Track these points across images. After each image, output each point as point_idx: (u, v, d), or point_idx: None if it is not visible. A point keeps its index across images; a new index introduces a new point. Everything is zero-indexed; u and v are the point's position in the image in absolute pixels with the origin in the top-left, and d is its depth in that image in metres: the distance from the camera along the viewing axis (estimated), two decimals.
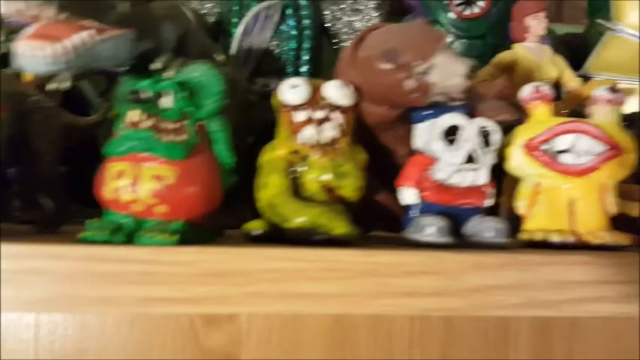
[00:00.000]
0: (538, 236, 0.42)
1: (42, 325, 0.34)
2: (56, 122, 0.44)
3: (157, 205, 0.35)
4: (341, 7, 0.86)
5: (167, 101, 0.36)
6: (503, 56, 0.66)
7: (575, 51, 0.91)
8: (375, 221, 0.46)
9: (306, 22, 0.84)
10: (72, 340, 0.34)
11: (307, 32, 0.84)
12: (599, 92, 0.45)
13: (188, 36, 0.42)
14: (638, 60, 0.80)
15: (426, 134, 0.41)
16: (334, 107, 0.39)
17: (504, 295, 0.35)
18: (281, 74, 0.74)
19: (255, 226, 0.38)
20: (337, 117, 0.38)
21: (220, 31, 0.83)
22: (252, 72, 0.82)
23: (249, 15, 0.82)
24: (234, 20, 0.82)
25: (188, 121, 0.36)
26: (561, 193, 0.43)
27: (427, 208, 0.41)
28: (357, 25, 0.85)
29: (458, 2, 0.86)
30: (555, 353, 0.38)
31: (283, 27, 0.83)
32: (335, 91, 0.39)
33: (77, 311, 0.33)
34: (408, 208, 0.41)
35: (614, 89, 0.44)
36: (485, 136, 0.41)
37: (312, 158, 0.38)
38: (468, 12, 0.85)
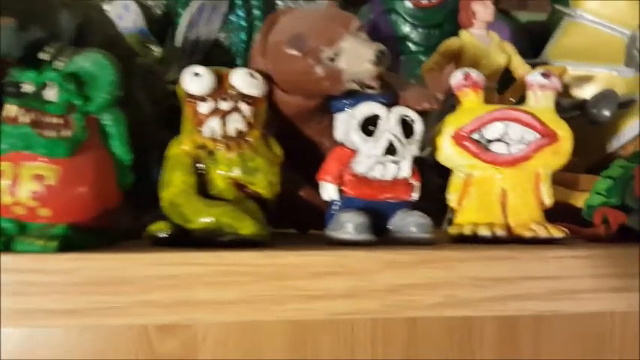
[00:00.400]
0: (467, 230, 0.40)
1: None
2: None
3: (39, 208, 0.32)
4: None
5: (51, 94, 0.33)
6: (449, 43, 0.64)
7: (537, 38, 0.89)
8: (300, 218, 0.43)
9: (257, 12, 0.81)
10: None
11: (257, 23, 0.81)
12: (533, 77, 0.42)
13: (89, 25, 0.39)
14: (597, 46, 0.78)
15: (344, 125, 0.38)
16: (242, 98, 0.36)
17: (421, 295, 0.33)
18: (231, 66, 0.71)
19: (160, 228, 0.35)
20: (245, 108, 0.36)
21: (168, 22, 0.80)
22: (201, 64, 0.80)
23: (194, 6, 0.79)
24: (181, 11, 0.79)
25: (75, 115, 0.33)
26: (493, 184, 0.41)
27: (349, 204, 0.38)
28: None
29: None
30: (521, 351, 0.35)
31: (232, 18, 0.80)
32: (242, 81, 0.36)
33: None
34: (329, 203, 0.39)
35: (547, 74, 0.42)
36: (407, 125, 0.38)
37: (219, 153, 0.36)
38: (424, 1, 0.83)
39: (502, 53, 0.64)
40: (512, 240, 0.39)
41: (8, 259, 0.29)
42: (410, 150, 0.38)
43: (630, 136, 0.74)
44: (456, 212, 0.42)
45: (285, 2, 0.82)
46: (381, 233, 0.39)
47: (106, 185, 0.34)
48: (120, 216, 0.40)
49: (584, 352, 0.36)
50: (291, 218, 0.43)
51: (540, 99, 0.42)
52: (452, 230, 0.41)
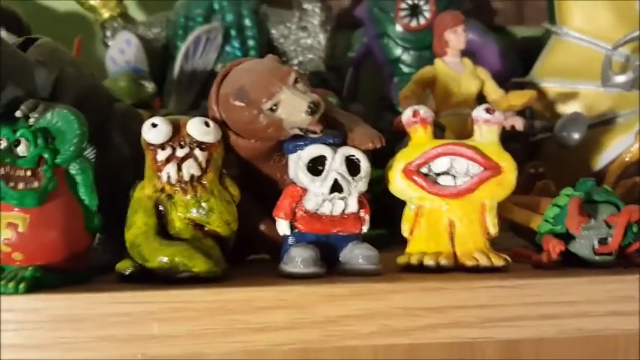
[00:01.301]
0: (414, 260, 0.42)
1: None
2: None
3: (13, 253, 0.36)
4: (287, 25, 0.87)
5: (22, 149, 0.37)
6: (423, 72, 0.67)
7: (531, 55, 0.91)
8: (263, 250, 0.47)
9: (251, 42, 0.85)
10: None
11: (252, 53, 0.85)
12: (477, 113, 0.45)
13: (64, 80, 0.43)
14: (583, 63, 0.80)
15: (294, 165, 0.41)
16: (198, 144, 0.39)
17: (357, 325, 0.36)
18: None
19: (125, 266, 0.39)
20: (200, 154, 0.39)
21: (168, 56, 0.85)
22: (198, 95, 0.84)
23: (190, 39, 0.83)
24: (179, 44, 0.84)
25: (44, 167, 0.37)
26: (441, 215, 0.44)
27: (301, 238, 0.41)
28: (306, 42, 0.86)
29: (404, 14, 0.87)
30: None
31: (227, 48, 0.84)
32: (197, 130, 0.39)
33: None
34: (284, 238, 0.42)
35: (491, 110, 0.44)
36: (353, 164, 0.41)
37: (177, 196, 0.39)
38: (414, 24, 0.86)
39: (475, 79, 0.66)
40: (456, 269, 0.42)
41: None
42: (357, 187, 0.41)
43: (613, 155, 0.76)
44: (408, 242, 0.44)
45: (281, 33, 0.87)
46: (333, 264, 0.42)
47: (74, 230, 0.38)
48: (100, 254, 0.44)
49: None
50: (254, 249, 0.47)
51: (485, 133, 0.44)
52: (401, 260, 0.43)
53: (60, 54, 0.44)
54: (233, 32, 0.84)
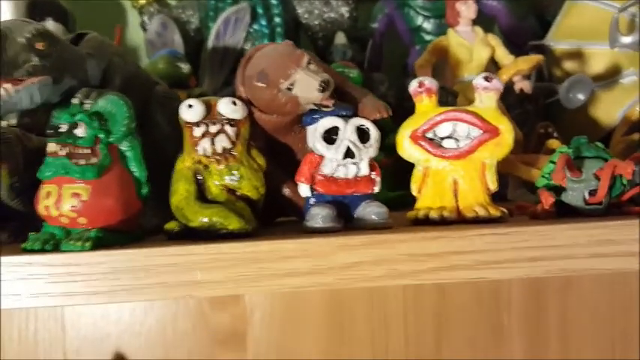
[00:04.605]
0: (421, 214, 0.48)
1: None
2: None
3: (78, 218, 0.43)
4: (311, 1, 0.92)
5: (81, 131, 0.44)
6: (437, 42, 0.71)
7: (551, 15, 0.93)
8: (290, 211, 0.53)
9: (277, 20, 0.91)
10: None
11: (279, 30, 0.90)
12: (477, 81, 0.49)
13: (112, 69, 0.50)
14: (598, 24, 0.82)
15: (311, 136, 0.47)
16: (228, 121, 0.46)
17: (369, 270, 0.42)
18: None
19: (172, 226, 0.46)
20: (230, 130, 0.45)
21: (202, 36, 0.90)
22: (230, 73, 0.90)
23: (219, 21, 0.89)
24: (211, 25, 0.90)
25: (100, 145, 0.44)
26: (445, 174, 0.49)
27: (320, 199, 0.47)
28: (329, 15, 0.91)
29: None
30: (549, 313, 0.43)
31: (255, 27, 0.89)
32: (225, 108, 0.45)
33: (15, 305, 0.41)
34: (306, 199, 0.48)
35: (489, 78, 0.49)
36: (364, 132, 0.47)
37: (212, 166, 0.46)
38: None
39: (486, 47, 0.70)
40: (459, 221, 0.47)
41: (59, 257, 0.41)
42: (367, 152, 0.47)
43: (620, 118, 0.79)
44: (416, 199, 0.50)
45: (306, 9, 0.91)
46: (350, 221, 0.48)
47: (127, 197, 0.45)
48: (149, 217, 0.51)
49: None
50: (282, 212, 0.53)
51: (484, 99, 0.49)
52: (410, 214, 0.49)
53: (106, 46, 0.50)
54: (260, 11, 0.89)
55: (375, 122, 0.48)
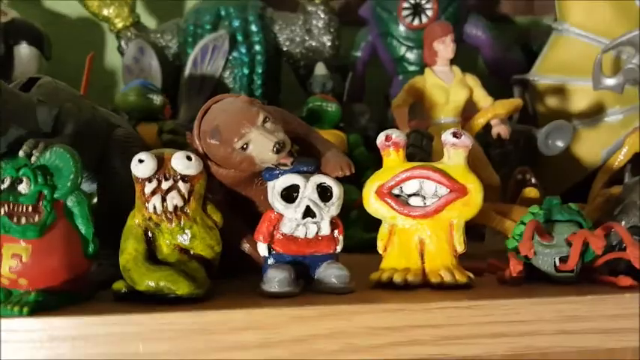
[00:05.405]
0: (384, 277, 0.46)
1: None
2: None
3: (19, 279, 0.41)
4: (293, 29, 0.90)
5: (24, 187, 0.41)
6: (413, 82, 0.69)
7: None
8: (249, 266, 0.50)
9: (258, 47, 0.89)
10: None
11: (259, 58, 0.88)
12: (445, 137, 0.47)
13: (65, 115, 0.47)
14: (584, 59, 0.80)
15: (271, 193, 0.45)
16: (181, 177, 0.43)
17: (323, 344, 0.40)
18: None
19: (119, 287, 0.43)
20: (182, 186, 0.43)
21: (180, 62, 0.88)
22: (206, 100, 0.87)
23: (196, 49, 0.87)
24: (189, 51, 0.88)
25: (44, 202, 0.41)
26: (412, 233, 0.47)
27: (279, 259, 0.45)
28: (311, 44, 0.89)
29: (406, 13, 0.89)
30: None
31: (235, 54, 0.87)
32: (179, 163, 0.43)
33: None
34: (264, 259, 0.46)
35: (457, 134, 0.47)
36: (325, 190, 0.45)
37: (163, 224, 0.43)
38: (416, 22, 0.88)
39: (464, 88, 0.68)
40: (423, 285, 0.45)
41: None
42: (329, 211, 0.45)
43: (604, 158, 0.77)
44: (382, 258, 0.48)
45: (287, 37, 0.89)
46: (310, 282, 0.45)
47: (72, 256, 0.42)
48: (106, 267, 0.48)
49: None
50: (240, 267, 0.51)
51: (452, 156, 0.47)
52: (374, 276, 0.47)
53: (60, 92, 0.48)
54: (240, 38, 0.87)
55: (350, 158, 0.46)
